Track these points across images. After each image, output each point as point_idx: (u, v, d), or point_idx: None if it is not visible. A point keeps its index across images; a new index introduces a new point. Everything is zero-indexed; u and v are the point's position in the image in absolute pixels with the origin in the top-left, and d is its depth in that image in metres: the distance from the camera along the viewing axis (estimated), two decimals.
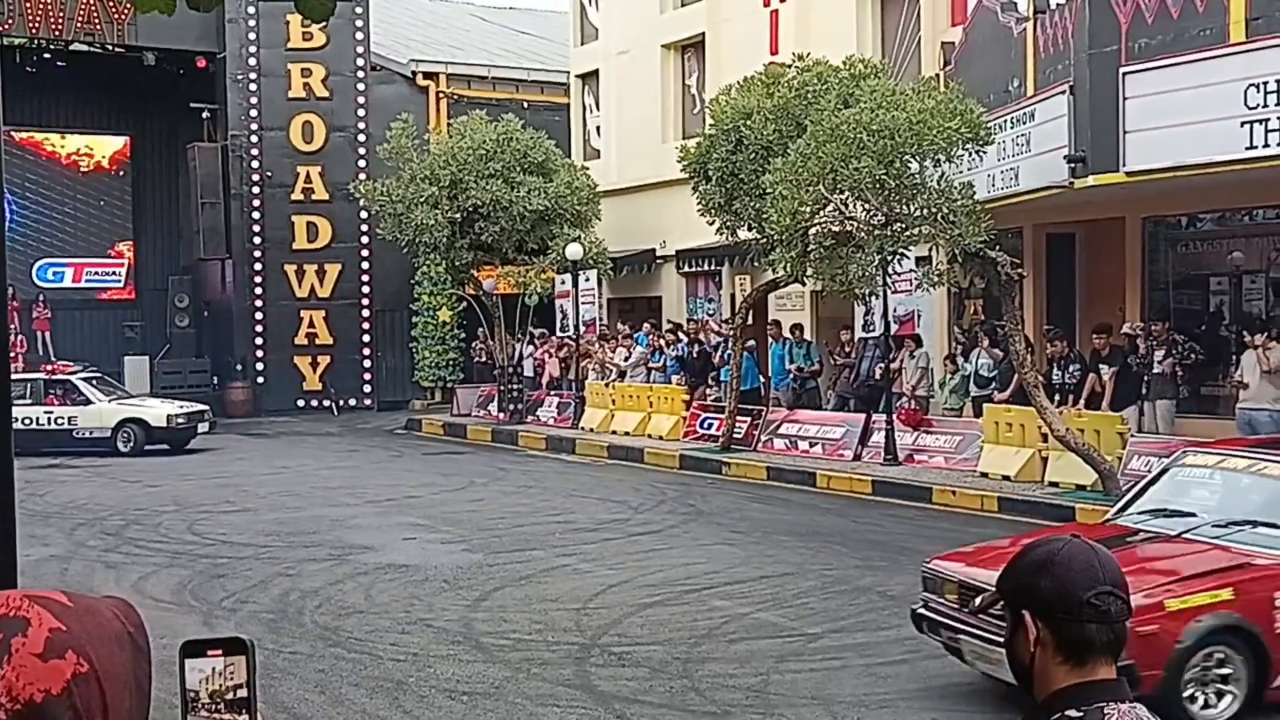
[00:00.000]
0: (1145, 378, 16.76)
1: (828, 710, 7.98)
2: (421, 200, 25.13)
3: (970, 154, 15.47)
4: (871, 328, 19.27)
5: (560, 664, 9.03)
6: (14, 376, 25.00)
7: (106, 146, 35.24)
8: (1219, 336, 17.61)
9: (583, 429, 24.17)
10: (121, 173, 35.37)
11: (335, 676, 8.81)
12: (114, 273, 35.14)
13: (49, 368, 25.64)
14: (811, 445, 19.89)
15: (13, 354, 26.85)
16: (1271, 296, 17.30)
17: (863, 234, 15.64)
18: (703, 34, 26.96)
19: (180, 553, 13.45)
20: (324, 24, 29.63)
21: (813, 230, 16.41)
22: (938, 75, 18.85)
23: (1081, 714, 2.23)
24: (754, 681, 8.55)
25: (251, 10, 30.32)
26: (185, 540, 14.25)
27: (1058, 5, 15.65)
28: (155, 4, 4.07)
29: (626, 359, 25.30)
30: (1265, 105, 12.99)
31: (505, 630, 10.02)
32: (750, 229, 19.46)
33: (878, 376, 19.37)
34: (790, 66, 19.32)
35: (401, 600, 11.11)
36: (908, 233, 15.40)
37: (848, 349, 21.22)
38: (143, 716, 1.47)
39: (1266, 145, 13.01)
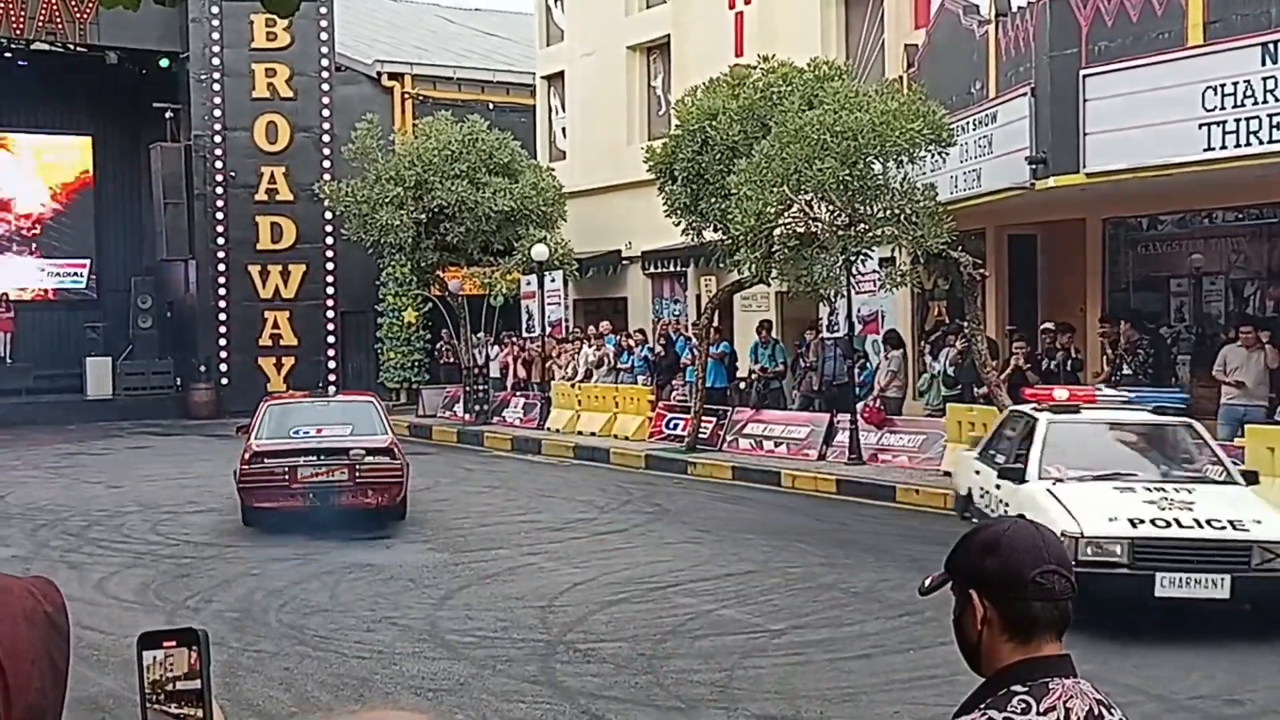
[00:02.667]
0: (1115, 376, 16.87)
1: (791, 704, 8.04)
2: (386, 201, 25.08)
3: (933, 155, 15.60)
4: (835, 328, 19.38)
5: (525, 660, 9.06)
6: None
7: (69, 147, 34.94)
8: (1178, 338, 17.80)
9: (549, 429, 24.19)
10: (83, 174, 35.07)
11: (300, 674, 8.81)
12: (76, 273, 34.86)
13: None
14: (777, 445, 19.98)
15: None
16: (1231, 298, 17.50)
17: (827, 235, 15.74)
18: (668, 36, 27.04)
19: (144, 553, 13.40)
20: (288, 24, 29.61)
21: (777, 231, 16.50)
22: (901, 77, 18.99)
23: (1027, 689, 2.29)
24: (718, 676, 8.60)
25: (215, 10, 30.18)
26: (149, 540, 14.18)
27: (1019, 8, 15.81)
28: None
29: (593, 360, 25.31)
30: (1222, 108, 13.16)
31: (470, 628, 10.04)
32: (716, 230, 19.54)
33: (844, 376, 19.45)
34: (755, 68, 19.42)
35: (366, 599, 11.11)
36: (871, 233, 15.51)
37: (810, 350, 21.31)
38: (58, 694, 1.45)
39: (1224, 147, 13.19)
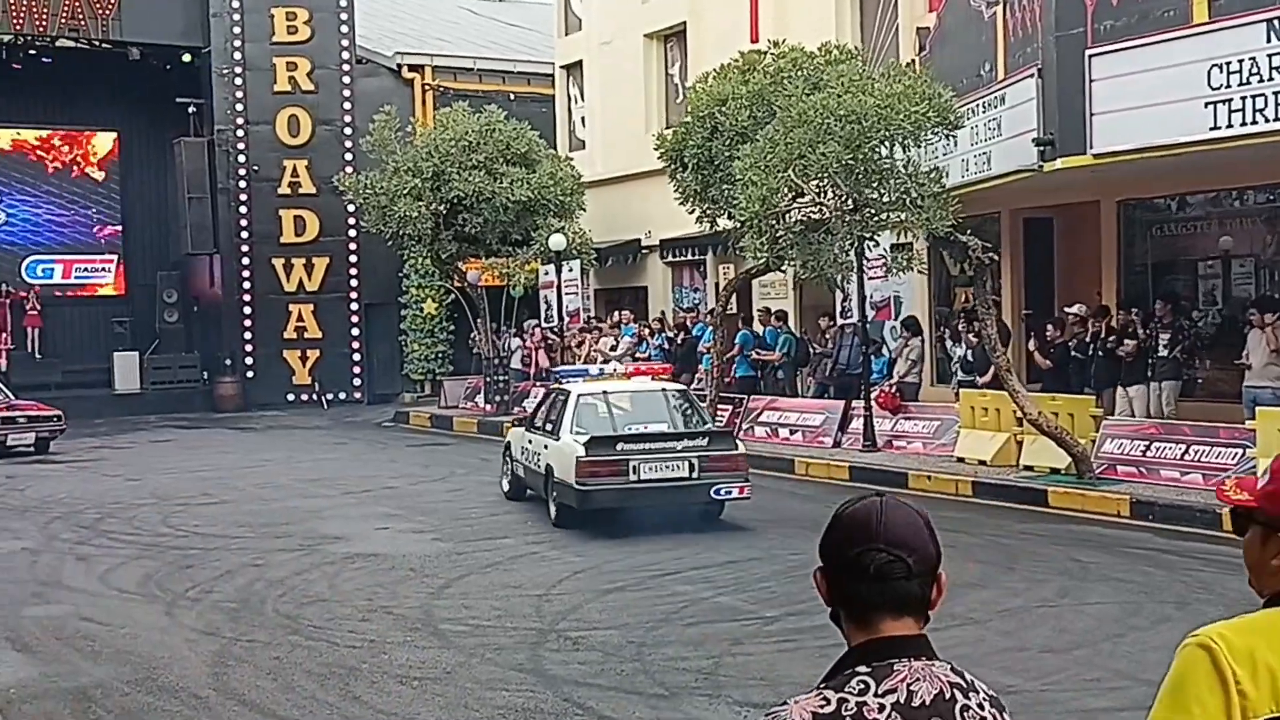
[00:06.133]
0: (1150, 360, 16.67)
1: (774, 691, 7.99)
2: (404, 192, 25.13)
3: (941, 138, 15.46)
4: (849, 314, 19.26)
5: (515, 649, 9.07)
6: None
7: (96, 142, 35.18)
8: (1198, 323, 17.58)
9: None
10: (109, 170, 35.32)
11: (289, 664, 8.83)
12: (104, 269, 35.17)
13: None
14: (792, 433, 19.91)
15: None
16: (1257, 280, 17.23)
17: (833, 219, 15.64)
18: (684, 23, 26.96)
19: (152, 545, 13.49)
20: (309, 17, 29.71)
21: (786, 216, 16.41)
22: (913, 61, 18.85)
23: (870, 669, 2.20)
24: (705, 664, 8.57)
25: (236, 4, 30.36)
26: (158, 532, 14.29)
27: None
28: None
29: (613, 348, 25.30)
30: (1228, 86, 12.98)
31: (465, 617, 10.05)
32: (730, 217, 19.47)
33: (858, 365, 19.29)
34: (766, 53, 19.32)
35: (365, 589, 11.14)
36: (877, 218, 15.40)
37: (826, 337, 21.21)
38: None
39: (1230, 125, 13.00)
